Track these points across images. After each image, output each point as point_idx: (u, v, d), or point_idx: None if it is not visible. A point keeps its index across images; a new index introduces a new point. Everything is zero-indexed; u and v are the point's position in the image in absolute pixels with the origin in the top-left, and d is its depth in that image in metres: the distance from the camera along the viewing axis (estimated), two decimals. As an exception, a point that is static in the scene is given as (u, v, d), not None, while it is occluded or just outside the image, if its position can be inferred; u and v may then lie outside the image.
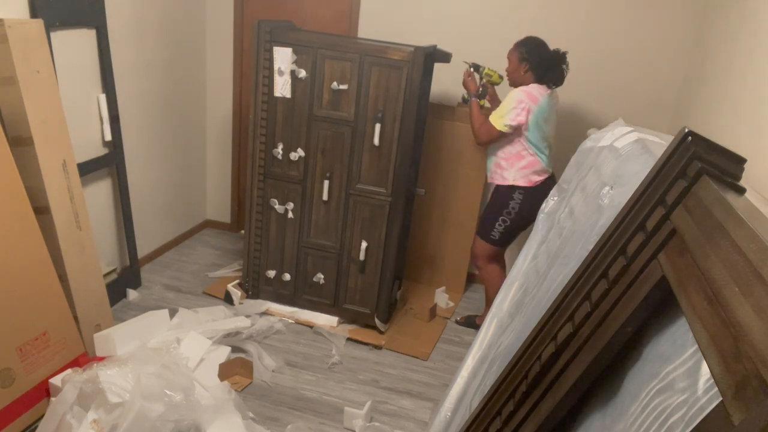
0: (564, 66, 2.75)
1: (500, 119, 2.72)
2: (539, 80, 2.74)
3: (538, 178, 2.78)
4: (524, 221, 2.84)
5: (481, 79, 2.98)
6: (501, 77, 2.97)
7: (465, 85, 2.95)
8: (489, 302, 3.12)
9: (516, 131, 2.75)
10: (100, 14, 2.81)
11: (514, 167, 2.81)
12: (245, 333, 2.91)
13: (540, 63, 2.72)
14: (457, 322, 3.36)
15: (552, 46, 3.12)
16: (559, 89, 3.28)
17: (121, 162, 3.11)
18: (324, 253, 3.13)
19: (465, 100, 3.05)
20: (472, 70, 2.98)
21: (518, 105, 2.69)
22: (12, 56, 2.16)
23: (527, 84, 2.75)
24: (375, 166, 2.91)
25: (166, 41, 3.43)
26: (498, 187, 2.91)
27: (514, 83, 2.81)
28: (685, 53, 3.18)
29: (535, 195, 2.74)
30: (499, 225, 2.88)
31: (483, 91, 2.95)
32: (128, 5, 3.05)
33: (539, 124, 2.72)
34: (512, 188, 2.82)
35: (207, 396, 2.30)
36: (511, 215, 2.83)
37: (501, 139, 2.79)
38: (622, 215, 1.07)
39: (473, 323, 3.29)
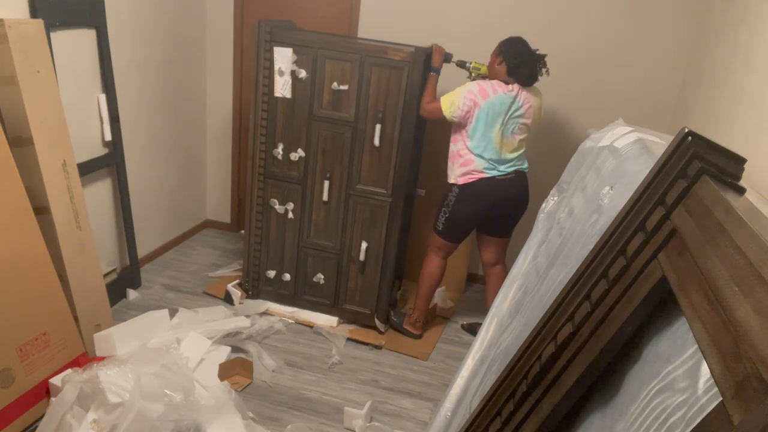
0: (538, 66, 2.70)
1: (450, 106, 2.70)
2: (511, 73, 2.68)
3: (471, 177, 2.76)
4: (462, 214, 2.84)
5: (470, 74, 2.95)
6: None
7: (432, 58, 2.87)
8: (420, 296, 3.10)
9: (459, 125, 2.74)
10: (100, 14, 2.81)
11: (455, 165, 2.82)
12: (245, 333, 2.91)
13: (514, 56, 2.68)
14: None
15: (552, 46, 3.13)
16: (559, 89, 3.29)
17: (121, 162, 3.11)
18: (324, 254, 3.13)
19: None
20: (457, 65, 2.94)
21: (468, 95, 2.67)
22: (12, 56, 2.16)
23: (501, 78, 2.72)
24: (375, 167, 2.91)
25: (166, 41, 3.43)
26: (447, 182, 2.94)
27: (490, 77, 2.80)
28: (684, 53, 3.18)
29: (469, 189, 2.78)
30: (442, 215, 2.91)
31: None
32: (128, 5, 3.05)
33: (485, 121, 2.67)
34: (452, 185, 2.85)
35: (207, 396, 2.30)
36: (449, 207, 2.86)
37: (439, 119, 2.77)
38: (622, 215, 1.07)
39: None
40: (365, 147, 2.88)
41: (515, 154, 2.78)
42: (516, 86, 2.70)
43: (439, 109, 2.72)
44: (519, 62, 2.67)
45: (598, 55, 3.29)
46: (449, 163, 2.86)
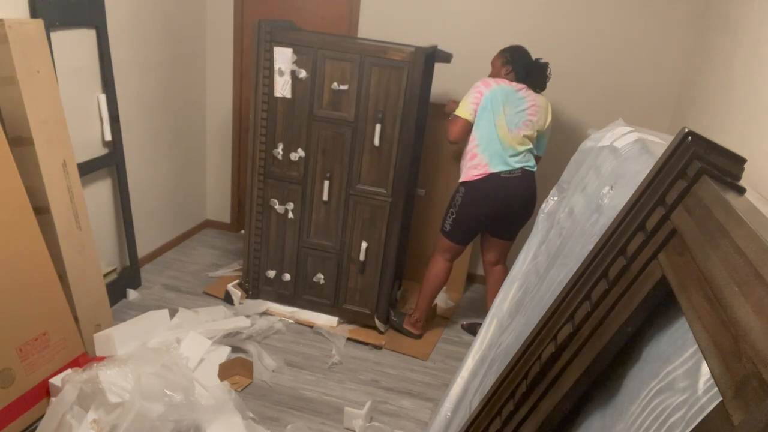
0: (546, 73, 2.80)
1: (465, 108, 2.77)
2: (520, 81, 2.78)
3: (477, 173, 2.78)
4: (468, 215, 2.86)
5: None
6: None
7: (448, 110, 2.99)
8: (422, 296, 3.10)
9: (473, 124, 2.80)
10: (100, 14, 2.81)
11: (464, 164, 2.86)
12: (245, 333, 2.91)
13: (524, 66, 2.78)
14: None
15: (553, 46, 3.14)
16: (560, 89, 3.29)
17: (121, 162, 3.11)
18: (324, 254, 3.13)
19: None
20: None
21: (473, 91, 2.76)
22: (12, 56, 2.16)
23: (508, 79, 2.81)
24: (375, 167, 2.91)
25: (166, 41, 3.43)
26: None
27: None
28: (684, 53, 3.19)
29: (474, 189, 2.79)
30: (449, 216, 2.93)
31: None
32: (128, 5, 3.05)
33: (490, 108, 2.72)
34: (461, 184, 2.88)
35: (207, 396, 2.30)
36: (456, 207, 2.88)
37: (468, 131, 2.81)
38: (622, 215, 1.07)
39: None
40: (365, 147, 2.88)
41: (521, 148, 2.78)
42: (522, 85, 2.77)
43: (462, 120, 2.78)
44: (528, 71, 2.77)
45: (598, 55, 3.29)
46: (461, 165, 2.89)
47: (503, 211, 2.84)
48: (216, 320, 2.92)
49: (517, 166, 2.79)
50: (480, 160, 2.76)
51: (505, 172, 2.76)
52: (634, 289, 0.95)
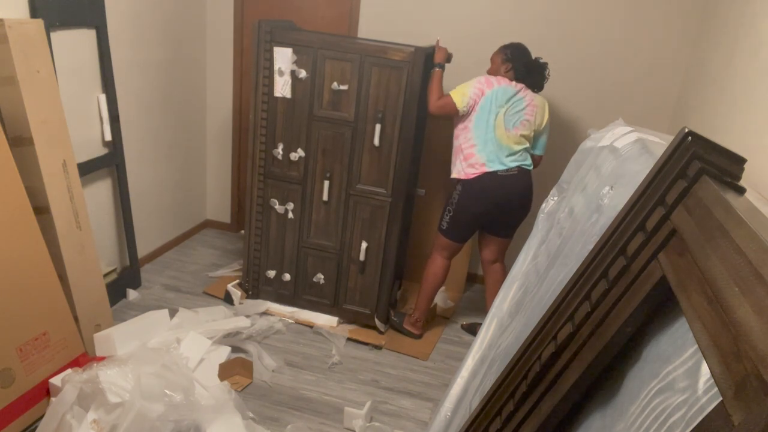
0: (545, 73, 2.82)
1: (462, 98, 2.74)
2: (519, 80, 2.79)
3: (474, 171, 2.78)
4: (466, 213, 2.85)
5: None
6: None
7: (435, 54, 2.87)
8: (422, 296, 3.10)
9: (463, 118, 2.78)
10: (100, 14, 2.81)
11: (458, 160, 2.85)
12: (245, 333, 2.91)
13: (524, 65, 2.79)
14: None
15: (553, 46, 3.14)
16: (559, 89, 3.28)
17: (121, 162, 3.11)
18: (324, 254, 3.13)
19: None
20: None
21: (476, 85, 2.74)
22: (12, 56, 2.16)
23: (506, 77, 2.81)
24: (375, 167, 2.91)
25: (166, 41, 3.43)
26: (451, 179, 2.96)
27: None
28: (684, 53, 3.18)
29: (472, 187, 2.79)
30: (446, 214, 2.92)
31: None
32: (128, 5, 3.05)
33: (488, 108, 2.72)
34: (456, 180, 2.87)
35: (207, 396, 2.30)
36: (453, 205, 2.88)
37: (451, 114, 2.78)
38: (622, 215, 1.07)
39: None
40: (365, 147, 2.88)
41: (517, 148, 2.78)
42: (521, 85, 2.77)
43: (452, 104, 2.75)
44: (527, 71, 2.78)
45: (598, 55, 3.29)
46: (453, 158, 2.89)
47: (500, 208, 2.84)
48: (216, 320, 2.92)
49: (514, 164, 2.79)
50: (477, 159, 2.77)
51: (501, 170, 2.77)
52: (634, 289, 0.95)
